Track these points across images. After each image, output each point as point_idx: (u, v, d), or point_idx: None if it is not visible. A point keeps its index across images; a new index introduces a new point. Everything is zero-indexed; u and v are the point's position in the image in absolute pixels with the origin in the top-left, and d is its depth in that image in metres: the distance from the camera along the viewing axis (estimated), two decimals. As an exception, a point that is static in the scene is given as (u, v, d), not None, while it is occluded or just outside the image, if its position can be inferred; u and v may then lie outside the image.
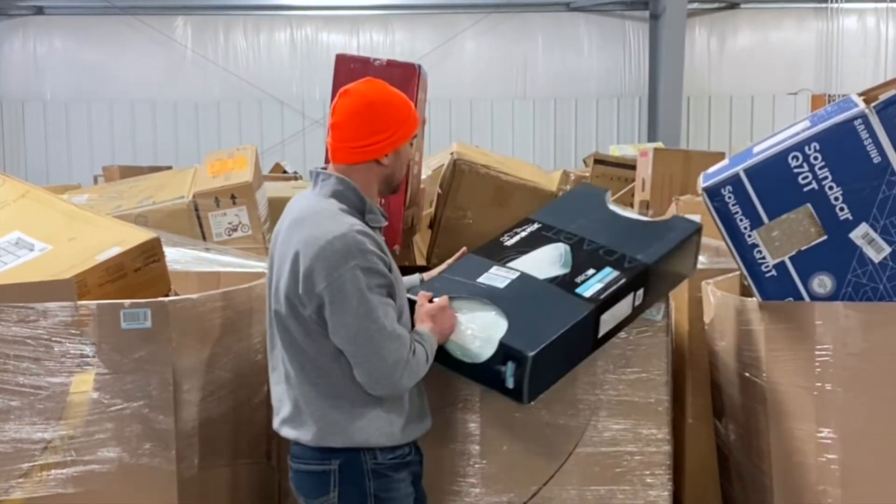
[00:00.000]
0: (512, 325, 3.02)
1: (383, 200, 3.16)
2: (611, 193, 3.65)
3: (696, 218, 3.66)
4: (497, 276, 3.20)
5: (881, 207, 3.02)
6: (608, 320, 3.20)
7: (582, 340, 3.19)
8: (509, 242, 3.35)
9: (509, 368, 2.97)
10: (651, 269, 3.31)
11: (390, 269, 2.94)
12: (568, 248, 3.33)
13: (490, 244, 3.38)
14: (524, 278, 3.20)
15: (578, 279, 3.19)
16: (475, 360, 3.05)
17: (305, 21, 20.70)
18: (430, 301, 3.09)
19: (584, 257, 3.29)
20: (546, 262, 3.27)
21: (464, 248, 3.42)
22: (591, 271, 3.23)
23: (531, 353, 2.93)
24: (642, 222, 3.63)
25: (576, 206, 3.58)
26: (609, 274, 3.22)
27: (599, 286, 3.17)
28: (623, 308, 3.25)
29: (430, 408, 3.21)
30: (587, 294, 3.14)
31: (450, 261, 3.40)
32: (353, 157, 2.99)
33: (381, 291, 2.88)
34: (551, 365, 3.09)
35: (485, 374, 3.06)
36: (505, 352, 2.98)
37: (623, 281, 3.20)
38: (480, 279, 3.19)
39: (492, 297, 3.12)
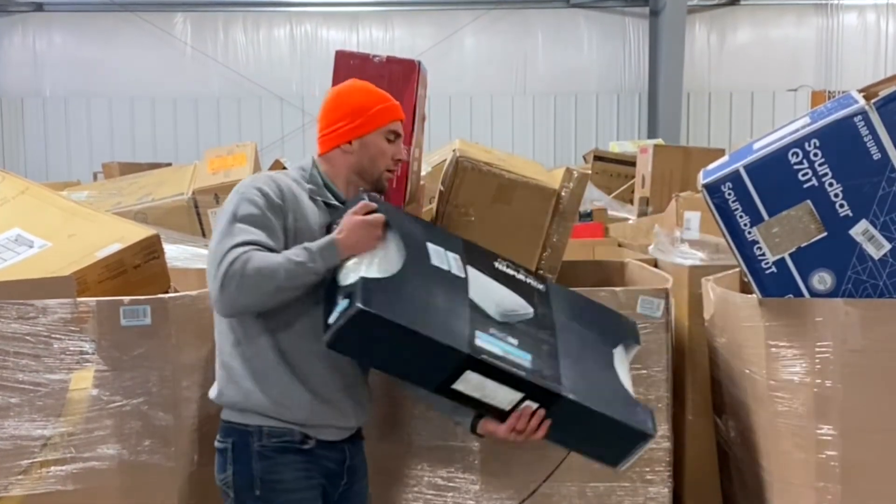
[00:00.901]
0: (390, 283, 2.72)
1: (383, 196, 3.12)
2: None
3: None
4: (447, 260, 2.90)
5: (881, 204, 3.02)
6: (473, 385, 2.77)
7: (426, 365, 2.76)
8: (501, 267, 3.08)
9: (341, 305, 2.65)
10: (563, 402, 2.84)
11: (288, 216, 2.87)
12: (532, 315, 2.96)
13: (484, 252, 3.12)
14: (458, 282, 2.87)
15: (492, 331, 2.80)
16: (336, 281, 2.77)
17: (305, 17, 20.68)
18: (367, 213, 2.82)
19: (530, 331, 2.91)
20: (495, 297, 2.92)
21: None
22: (513, 340, 2.83)
23: (360, 306, 2.58)
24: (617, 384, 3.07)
25: (601, 320, 3.23)
26: (521, 358, 2.80)
27: (497, 351, 2.76)
28: (501, 395, 2.80)
29: (378, 400, 3.24)
30: (478, 342, 2.73)
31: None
32: (322, 145, 3.09)
33: (249, 221, 2.82)
34: (375, 344, 2.70)
35: (328, 295, 2.80)
36: (351, 290, 2.67)
37: (522, 375, 2.76)
38: (431, 245, 2.90)
39: (416, 262, 2.82)
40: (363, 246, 2.78)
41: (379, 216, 2.80)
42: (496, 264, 3.08)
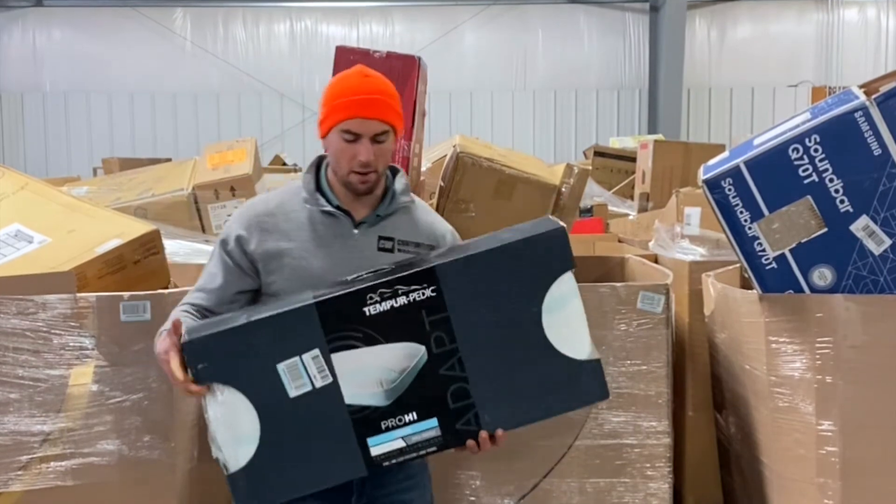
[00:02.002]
0: (260, 461, 2.51)
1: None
2: (572, 274, 2.59)
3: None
4: (300, 374, 2.49)
5: (881, 200, 3.02)
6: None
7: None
8: (373, 310, 2.47)
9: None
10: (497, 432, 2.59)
11: (249, 243, 2.79)
12: (425, 356, 2.50)
13: (349, 300, 2.48)
14: (327, 395, 2.49)
15: (385, 423, 2.51)
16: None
17: (305, 13, 20.68)
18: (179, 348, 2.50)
19: (426, 386, 2.51)
20: (378, 372, 2.50)
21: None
22: (411, 416, 2.52)
23: None
24: (556, 360, 2.57)
25: (512, 273, 2.53)
26: (427, 429, 2.53)
27: (397, 445, 2.53)
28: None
29: None
30: (374, 451, 2.52)
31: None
32: None
33: (217, 253, 2.85)
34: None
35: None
36: (232, 485, 2.52)
37: (432, 450, 2.55)
38: (281, 365, 2.48)
39: (268, 407, 2.50)
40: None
41: (186, 384, 2.48)
42: (368, 308, 2.48)
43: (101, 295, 3.30)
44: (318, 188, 2.86)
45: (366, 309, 2.47)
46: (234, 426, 2.49)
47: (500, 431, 2.55)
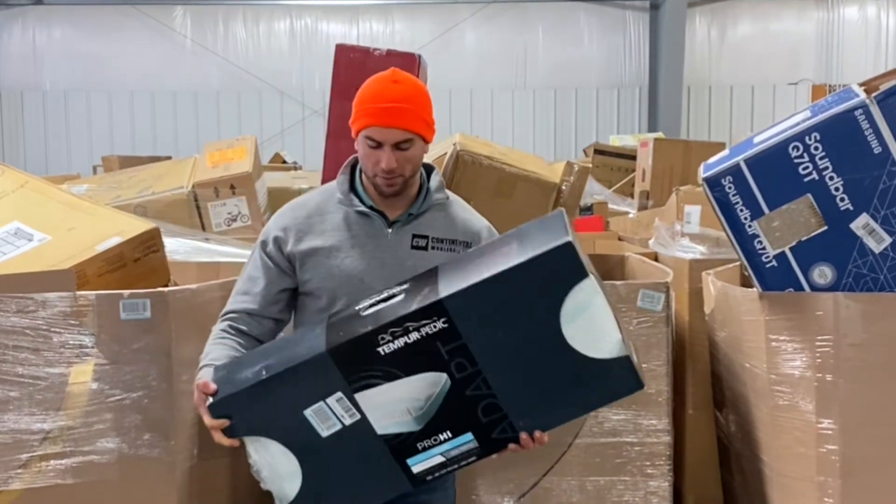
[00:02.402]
0: (304, 489, 2.57)
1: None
2: (593, 280, 2.43)
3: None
4: (328, 416, 2.48)
5: (882, 198, 3.01)
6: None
7: None
8: (387, 349, 2.42)
9: None
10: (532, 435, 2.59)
11: (286, 245, 2.85)
12: (448, 382, 2.46)
13: (362, 343, 2.43)
14: (358, 430, 2.48)
15: (421, 444, 2.52)
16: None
17: (305, 11, 20.67)
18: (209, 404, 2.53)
19: (455, 406, 2.48)
20: (404, 402, 2.47)
21: None
22: (445, 435, 2.50)
23: None
24: (579, 363, 2.48)
25: (523, 293, 2.43)
26: (464, 443, 2.53)
27: (437, 461, 2.54)
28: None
29: None
30: (416, 469, 2.54)
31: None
32: None
33: (257, 255, 2.91)
34: None
35: None
36: None
37: (473, 460, 2.56)
38: (308, 411, 2.47)
39: (304, 449, 2.53)
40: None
41: (220, 437, 2.53)
42: (382, 349, 2.43)
43: (101, 293, 3.30)
44: (353, 189, 2.90)
45: (380, 349, 2.42)
46: (276, 467, 2.53)
47: (538, 433, 2.53)
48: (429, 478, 2.55)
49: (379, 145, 2.73)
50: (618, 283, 3.68)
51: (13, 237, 3.59)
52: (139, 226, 3.74)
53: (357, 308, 2.55)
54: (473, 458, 2.55)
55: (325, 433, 2.49)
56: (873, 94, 2.99)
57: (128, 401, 3.30)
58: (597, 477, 3.66)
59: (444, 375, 2.46)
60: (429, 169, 2.96)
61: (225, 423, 2.49)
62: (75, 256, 3.47)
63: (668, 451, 3.69)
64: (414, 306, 2.42)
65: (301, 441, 2.50)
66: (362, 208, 2.84)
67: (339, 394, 2.46)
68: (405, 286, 2.53)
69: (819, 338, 3.08)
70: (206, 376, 2.60)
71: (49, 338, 3.25)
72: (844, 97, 3.08)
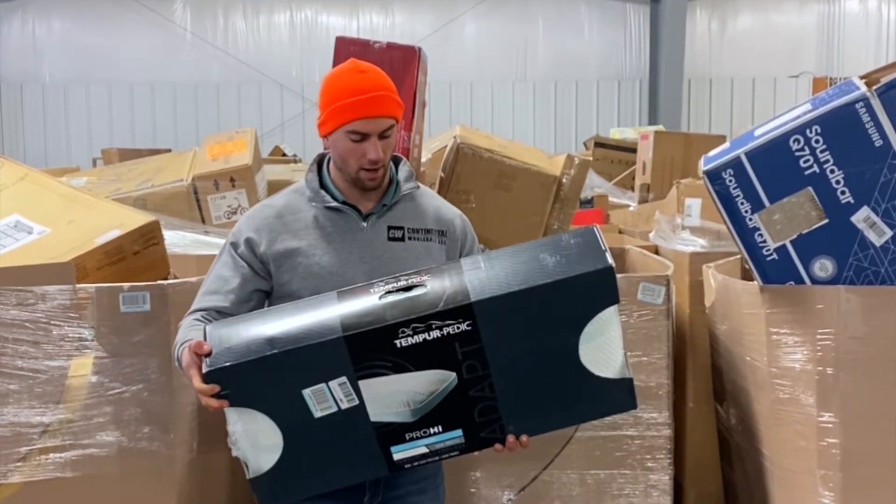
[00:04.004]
0: (280, 463, 2.51)
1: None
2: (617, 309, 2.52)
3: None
4: (326, 398, 2.45)
5: (882, 191, 3.01)
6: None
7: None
8: (404, 342, 2.40)
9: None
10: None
11: (259, 247, 2.77)
12: (455, 381, 2.45)
13: (381, 334, 2.41)
14: (352, 414, 2.46)
15: (410, 434, 2.50)
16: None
17: (305, 3, 20.65)
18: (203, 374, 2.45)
19: (455, 404, 2.47)
20: (405, 395, 2.45)
21: None
22: (436, 429, 2.49)
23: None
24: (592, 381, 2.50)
25: (554, 309, 2.44)
26: (451, 438, 2.51)
27: (420, 451, 2.52)
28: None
29: None
30: (396, 456, 2.52)
31: None
32: None
33: (227, 256, 2.82)
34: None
35: None
36: (255, 487, 2.55)
37: (455, 454, 2.55)
38: (307, 391, 2.44)
39: (292, 426, 2.49)
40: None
41: (208, 400, 2.45)
42: (399, 341, 2.41)
43: (101, 286, 3.30)
44: (322, 186, 2.84)
45: (397, 341, 2.40)
46: (258, 439, 2.49)
47: (524, 437, 2.53)
48: (407, 465, 2.54)
49: (364, 138, 2.69)
50: (618, 275, 3.66)
51: (13, 230, 3.59)
52: (139, 219, 3.73)
53: (371, 290, 2.49)
54: (456, 453, 2.54)
55: (318, 413, 2.46)
56: (874, 87, 2.99)
57: (127, 394, 3.30)
58: (597, 470, 3.66)
59: (453, 374, 2.44)
60: (396, 160, 2.92)
61: (216, 389, 2.42)
62: (75, 249, 3.46)
63: (668, 445, 3.69)
64: (441, 305, 2.40)
65: (291, 418, 2.47)
66: (334, 204, 2.79)
67: (344, 378, 2.43)
68: (425, 277, 2.49)
69: (820, 331, 3.08)
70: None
71: (49, 331, 3.25)
72: (845, 90, 3.07)
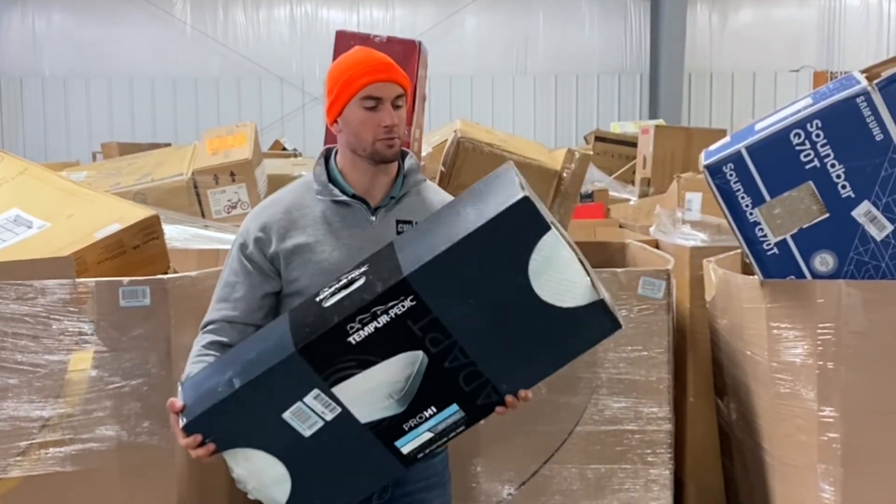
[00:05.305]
0: (294, 491, 2.50)
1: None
2: (558, 232, 2.37)
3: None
4: (308, 415, 2.41)
5: (883, 185, 3.01)
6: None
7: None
8: (357, 337, 2.35)
9: None
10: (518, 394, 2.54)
11: (269, 246, 2.75)
12: (425, 358, 2.40)
13: (331, 336, 2.37)
14: (342, 423, 2.42)
15: (407, 424, 2.46)
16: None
17: (305, -3, 20.69)
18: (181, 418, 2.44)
19: (436, 380, 2.42)
20: (384, 387, 2.41)
21: None
22: (430, 411, 2.45)
23: None
24: (550, 313, 2.42)
25: (487, 257, 2.37)
26: (450, 415, 2.47)
27: (426, 437, 2.49)
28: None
29: None
30: (405, 450, 2.48)
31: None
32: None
33: (222, 286, 2.80)
34: None
35: None
36: None
37: (461, 430, 2.50)
38: (286, 413, 2.40)
39: (288, 452, 2.46)
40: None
41: (196, 452, 2.44)
42: (353, 338, 2.36)
43: (101, 280, 3.30)
44: (331, 179, 2.82)
45: (350, 339, 2.34)
46: (262, 476, 2.47)
47: (522, 392, 2.48)
48: (419, 455, 2.50)
49: (377, 104, 2.68)
50: (618, 270, 3.67)
51: (12, 224, 3.59)
52: (139, 213, 3.73)
53: (317, 298, 2.47)
54: (462, 428, 2.50)
55: (307, 432, 2.43)
56: (875, 81, 2.98)
57: (127, 388, 3.30)
58: (597, 465, 3.66)
59: (421, 353, 2.39)
60: (403, 153, 2.88)
61: (198, 439, 2.41)
62: (75, 243, 3.46)
63: (668, 439, 3.69)
64: (379, 289, 2.35)
65: (285, 445, 2.44)
66: (343, 198, 2.76)
67: (316, 390, 2.39)
68: (363, 269, 2.46)
69: (820, 325, 3.08)
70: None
71: (48, 325, 3.25)
72: (846, 84, 3.06)
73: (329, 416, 2.41)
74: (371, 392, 2.41)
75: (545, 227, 2.35)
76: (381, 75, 2.70)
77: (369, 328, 2.34)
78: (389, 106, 2.70)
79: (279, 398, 2.40)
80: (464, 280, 2.36)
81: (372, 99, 2.68)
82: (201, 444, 2.42)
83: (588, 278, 2.39)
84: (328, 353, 2.36)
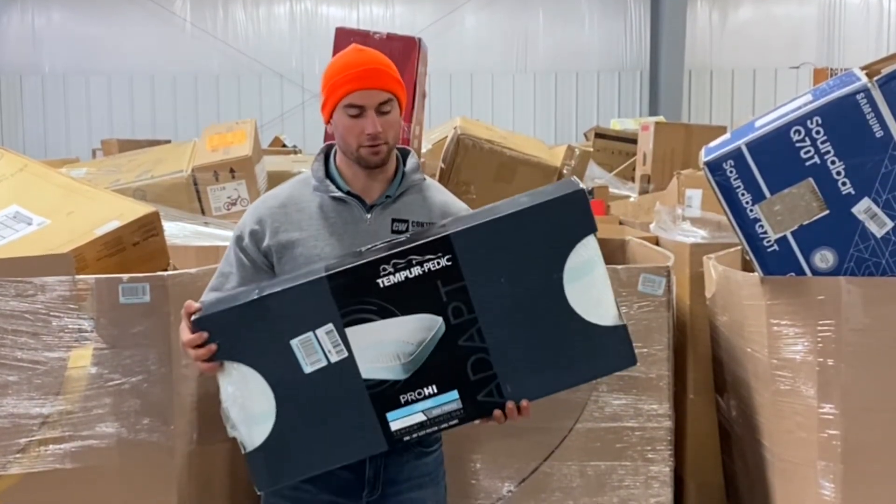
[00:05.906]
0: (275, 441, 2.49)
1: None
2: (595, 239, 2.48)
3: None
4: (315, 349, 2.43)
5: (883, 182, 3.00)
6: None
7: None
8: (386, 281, 2.39)
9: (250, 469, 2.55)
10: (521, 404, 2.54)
11: (263, 239, 2.77)
12: (443, 327, 2.43)
13: (362, 272, 2.41)
14: (342, 370, 2.44)
15: (404, 397, 2.46)
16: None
17: (305, -6, 20.67)
18: (191, 319, 2.48)
19: (445, 358, 2.44)
20: (394, 345, 2.43)
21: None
22: (430, 389, 2.45)
23: (262, 491, 2.60)
24: (574, 323, 2.46)
25: (532, 239, 2.43)
26: (448, 402, 2.47)
27: (418, 419, 2.48)
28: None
29: None
30: (394, 426, 2.47)
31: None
32: None
33: (231, 251, 2.84)
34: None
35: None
36: (249, 466, 2.54)
37: (454, 423, 2.50)
38: (295, 340, 2.44)
39: (283, 384, 2.47)
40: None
41: (197, 352, 2.47)
42: (382, 280, 2.41)
43: (100, 277, 3.29)
44: (328, 176, 2.84)
45: (379, 280, 2.40)
46: (249, 404, 2.48)
47: (524, 402, 2.50)
48: (406, 437, 2.50)
49: (361, 112, 2.69)
50: (619, 267, 3.67)
51: (12, 221, 3.59)
52: (138, 210, 3.73)
53: (360, 248, 2.55)
54: (455, 422, 2.50)
55: (308, 369, 2.45)
56: (875, 78, 2.98)
57: (127, 385, 3.30)
58: (597, 462, 3.66)
59: (440, 319, 2.43)
60: (405, 152, 2.91)
61: (203, 336, 2.44)
62: (74, 240, 3.46)
63: (668, 436, 3.69)
64: (421, 240, 2.42)
65: (281, 375, 2.46)
66: (339, 194, 2.78)
67: (330, 325, 2.43)
68: (408, 234, 2.54)
69: (821, 322, 3.07)
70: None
71: (48, 322, 3.24)
72: (846, 81, 3.06)
73: (334, 358, 2.44)
74: (381, 346, 2.44)
75: (593, 227, 2.44)
76: (363, 83, 2.70)
77: (400, 276, 2.40)
78: (373, 113, 2.70)
79: (294, 321, 2.44)
80: (502, 256, 2.42)
81: (354, 107, 2.70)
82: (204, 345, 2.45)
83: (617, 309, 2.47)
84: (354, 288, 2.42)
